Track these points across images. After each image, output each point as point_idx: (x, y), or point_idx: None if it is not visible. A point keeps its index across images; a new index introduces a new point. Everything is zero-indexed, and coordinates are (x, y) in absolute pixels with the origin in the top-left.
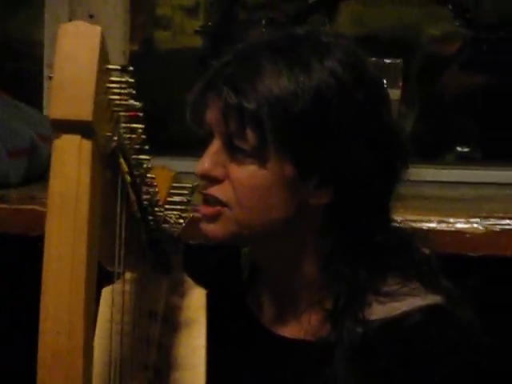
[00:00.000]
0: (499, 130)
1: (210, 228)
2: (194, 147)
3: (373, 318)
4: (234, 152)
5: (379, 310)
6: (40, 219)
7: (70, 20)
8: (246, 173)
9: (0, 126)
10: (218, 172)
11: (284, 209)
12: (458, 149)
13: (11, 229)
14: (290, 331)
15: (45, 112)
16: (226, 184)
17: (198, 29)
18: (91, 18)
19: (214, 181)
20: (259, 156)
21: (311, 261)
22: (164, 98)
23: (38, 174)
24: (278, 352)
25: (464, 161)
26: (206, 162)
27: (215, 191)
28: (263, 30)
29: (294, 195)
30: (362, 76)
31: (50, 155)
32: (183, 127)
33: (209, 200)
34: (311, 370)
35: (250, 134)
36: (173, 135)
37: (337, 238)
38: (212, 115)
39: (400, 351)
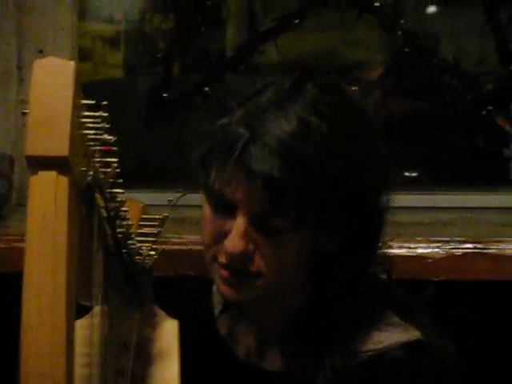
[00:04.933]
0: (442, 154)
1: (234, 294)
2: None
3: (355, 350)
4: (265, 228)
5: (361, 343)
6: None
7: (19, 55)
8: (281, 246)
9: None
10: (250, 248)
11: (305, 264)
12: (406, 174)
13: None
14: (269, 363)
15: None
16: (257, 257)
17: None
18: (41, 52)
19: (245, 256)
20: (294, 229)
21: (298, 298)
22: None
23: None
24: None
25: (418, 185)
26: (239, 244)
27: (248, 266)
28: (211, 60)
29: (311, 249)
30: (369, 122)
31: (6, 191)
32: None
33: (236, 270)
34: None
35: (290, 212)
36: None
37: (327, 277)
38: (239, 193)
39: None
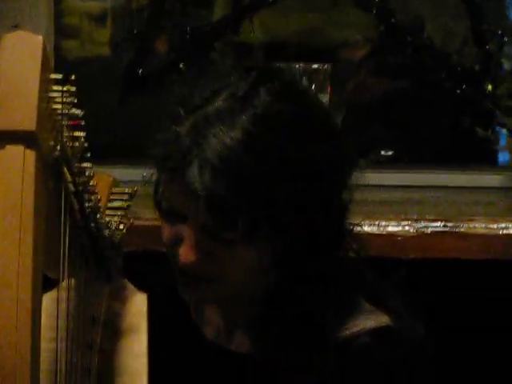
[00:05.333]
0: (419, 134)
1: (191, 296)
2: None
3: (322, 337)
4: (216, 239)
5: (328, 330)
6: None
7: None
8: (234, 253)
9: None
10: (202, 256)
11: (264, 263)
12: (382, 152)
13: None
14: (237, 345)
15: None
16: (211, 262)
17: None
18: (15, 27)
19: (197, 264)
20: (244, 240)
21: (262, 288)
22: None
23: None
24: (223, 365)
25: (392, 164)
26: (190, 254)
27: (202, 271)
28: (187, 36)
29: (269, 251)
30: (326, 125)
31: None
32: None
33: (190, 275)
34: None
35: (236, 227)
36: None
37: (291, 268)
38: (186, 207)
39: (348, 372)
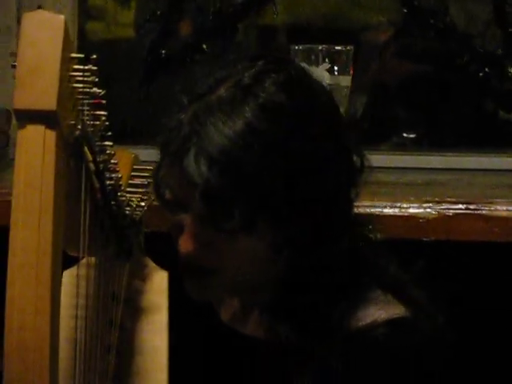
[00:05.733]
0: (441, 117)
1: (195, 293)
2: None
3: (335, 327)
4: (214, 229)
5: (342, 320)
6: None
7: (18, 11)
8: (234, 243)
9: None
10: (202, 247)
11: (260, 257)
12: (404, 135)
13: None
14: (250, 329)
15: None
16: (211, 253)
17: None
18: (39, 8)
19: (197, 255)
20: (243, 230)
21: (268, 276)
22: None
23: None
24: (239, 346)
25: (414, 146)
26: (189, 244)
27: (202, 263)
28: (210, 17)
29: (272, 241)
30: (331, 119)
31: (3, 146)
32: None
33: (190, 266)
34: (267, 368)
35: (237, 213)
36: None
37: (295, 255)
38: (185, 194)
39: (357, 365)
